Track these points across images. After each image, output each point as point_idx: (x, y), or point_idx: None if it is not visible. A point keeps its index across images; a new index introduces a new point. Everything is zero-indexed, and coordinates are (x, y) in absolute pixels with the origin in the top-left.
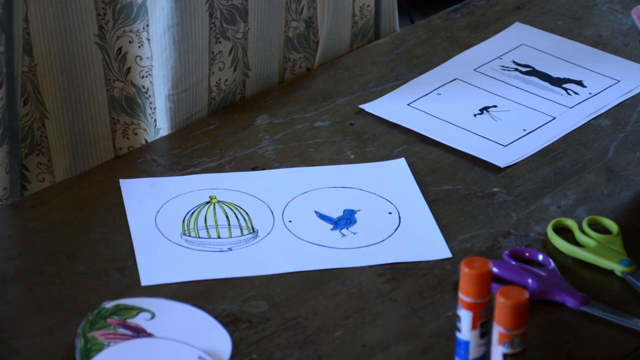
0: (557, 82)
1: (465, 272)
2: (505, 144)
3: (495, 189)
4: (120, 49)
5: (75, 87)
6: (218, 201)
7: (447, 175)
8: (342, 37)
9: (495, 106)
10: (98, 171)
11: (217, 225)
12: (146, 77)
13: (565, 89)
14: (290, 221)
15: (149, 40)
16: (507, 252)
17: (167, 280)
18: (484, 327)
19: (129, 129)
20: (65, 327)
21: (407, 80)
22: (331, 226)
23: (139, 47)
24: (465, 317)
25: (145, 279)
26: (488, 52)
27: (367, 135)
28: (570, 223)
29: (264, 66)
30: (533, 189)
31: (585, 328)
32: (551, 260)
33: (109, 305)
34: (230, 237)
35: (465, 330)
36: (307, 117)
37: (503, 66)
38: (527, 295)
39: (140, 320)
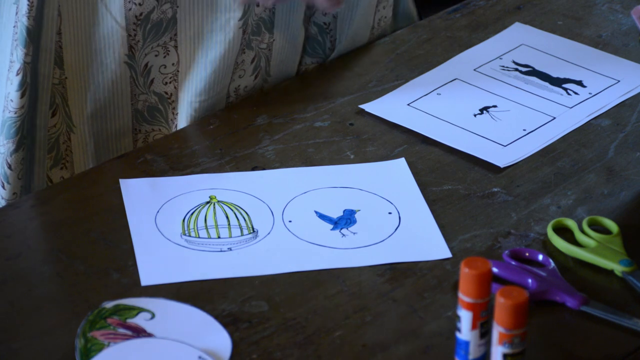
0: (557, 82)
1: (465, 272)
2: (505, 144)
3: (495, 189)
4: (147, 64)
5: (102, 103)
6: (218, 201)
7: (447, 175)
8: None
9: (495, 106)
10: (98, 171)
11: (217, 225)
12: (170, 83)
13: (565, 89)
14: (290, 221)
15: (176, 47)
16: (507, 252)
17: (167, 280)
18: (484, 327)
19: (149, 136)
20: (65, 327)
21: (407, 80)
22: (331, 226)
23: (164, 56)
24: (465, 317)
25: (145, 279)
26: (488, 52)
27: (367, 135)
28: (570, 223)
29: (283, 73)
30: (533, 189)
31: (585, 328)
32: (551, 260)
33: (109, 305)
34: (230, 237)
35: (465, 330)
36: (307, 117)
37: (503, 66)
38: (527, 295)
39: (140, 320)
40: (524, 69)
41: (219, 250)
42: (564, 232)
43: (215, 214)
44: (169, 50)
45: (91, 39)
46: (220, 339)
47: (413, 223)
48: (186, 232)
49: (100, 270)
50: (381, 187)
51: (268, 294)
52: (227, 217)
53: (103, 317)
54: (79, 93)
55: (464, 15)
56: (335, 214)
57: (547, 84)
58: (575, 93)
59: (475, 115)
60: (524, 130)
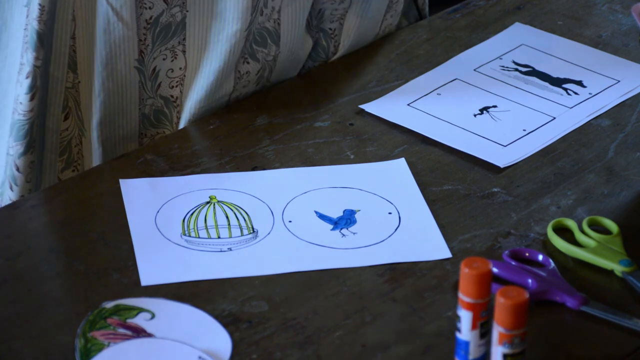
0: (557, 82)
1: (465, 272)
2: (505, 144)
3: (495, 189)
4: (155, 68)
5: (111, 108)
6: (218, 201)
7: (447, 175)
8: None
9: (495, 106)
10: (98, 171)
11: (217, 225)
12: (176, 86)
13: (565, 89)
14: (290, 221)
15: (184, 52)
16: (507, 252)
17: (167, 280)
18: (484, 327)
19: (154, 139)
20: (65, 327)
21: (407, 80)
22: (331, 226)
23: (172, 60)
24: (465, 317)
25: (145, 279)
26: (488, 52)
27: (367, 135)
28: (570, 223)
29: (283, 77)
30: (533, 189)
31: (585, 328)
32: (551, 261)
33: (109, 305)
34: (230, 237)
35: (465, 331)
36: (307, 117)
37: (503, 66)
38: (527, 295)
39: (140, 320)
40: (524, 69)
41: (219, 250)
42: (564, 232)
43: (215, 214)
44: (176, 54)
45: (104, 45)
46: (220, 339)
47: (413, 223)
48: (186, 232)
49: (100, 270)
50: (381, 187)
51: (268, 294)
52: (227, 217)
53: (103, 317)
54: (91, 97)
55: (464, 15)
56: (335, 214)
57: (547, 84)
58: (575, 93)
59: (475, 116)
60: (524, 130)
